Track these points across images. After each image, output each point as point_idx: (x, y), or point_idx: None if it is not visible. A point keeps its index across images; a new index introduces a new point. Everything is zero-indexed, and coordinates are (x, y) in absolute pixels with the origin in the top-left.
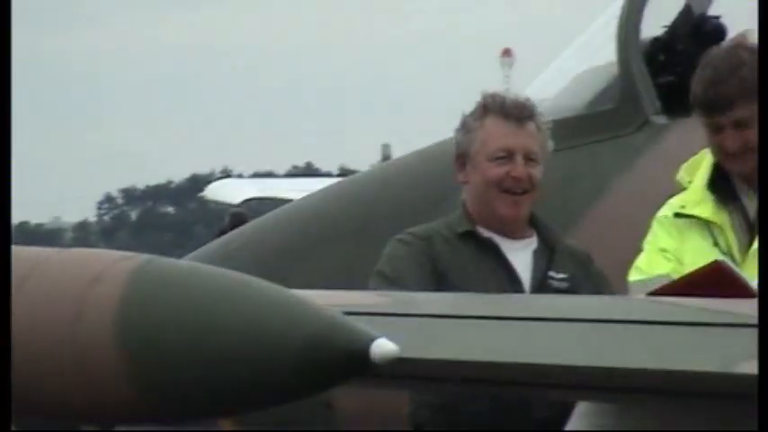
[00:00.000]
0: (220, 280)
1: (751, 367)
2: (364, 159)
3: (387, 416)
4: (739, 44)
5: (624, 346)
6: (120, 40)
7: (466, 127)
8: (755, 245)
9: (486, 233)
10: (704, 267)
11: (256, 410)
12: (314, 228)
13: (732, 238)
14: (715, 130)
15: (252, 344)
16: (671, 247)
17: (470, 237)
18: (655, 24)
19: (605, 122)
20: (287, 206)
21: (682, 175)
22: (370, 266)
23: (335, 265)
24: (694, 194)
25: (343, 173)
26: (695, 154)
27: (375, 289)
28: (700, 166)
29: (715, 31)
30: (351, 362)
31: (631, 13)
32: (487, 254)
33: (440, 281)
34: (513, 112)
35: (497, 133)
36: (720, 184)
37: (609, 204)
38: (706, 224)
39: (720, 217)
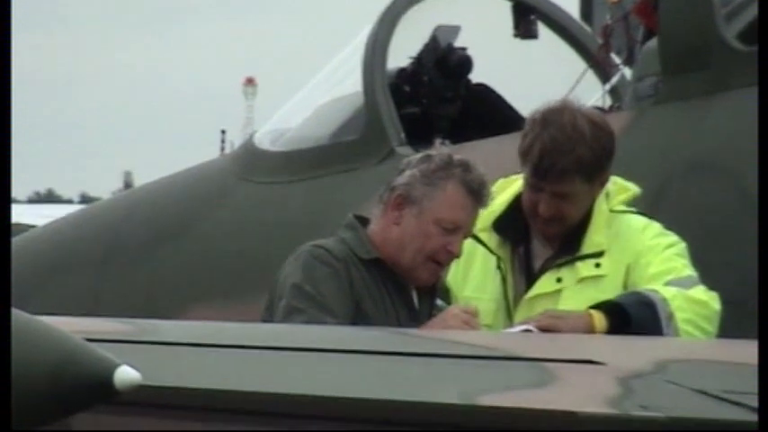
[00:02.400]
0: None
1: (493, 399)
2: (105, 186)
3: None
4: (585, 114)
5: (366, 377)
6: None
7: (428, 178)
8: (532, 292)
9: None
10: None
11: None
12: (57, 255)
13: (510, 278)
14: (533, 188)
15: None
16: (454, 280)
17: (377, 265)
18: (401, 55)
19: (349, 153)
20: (29, 233)
21: (494, 188)
22: (114, 293)
23: (79, 292)
24: (487, 218)
25: (85, 200)
26: None
27: (299, 306)
28: (510, 187)
29: (461, 63)
30: (93, 389)
31: (377, 44)
32: (393, 286)
33: (355, 307)
34: (477, 190)
35: (456, 204)
36: (513, 223)
37: None
38: (490, 251)
39: (504, 252)
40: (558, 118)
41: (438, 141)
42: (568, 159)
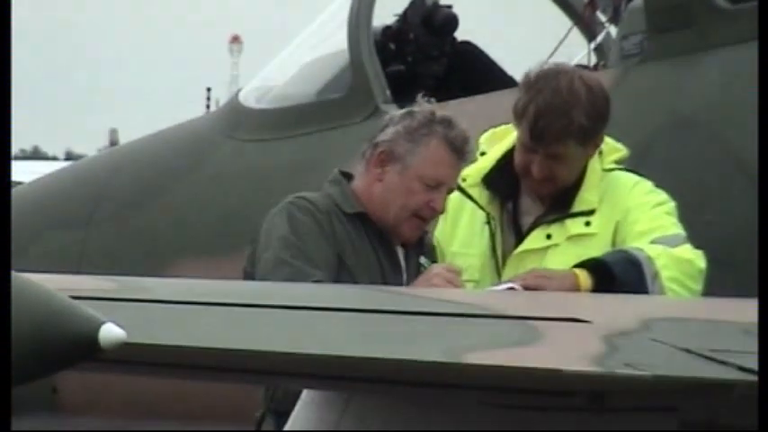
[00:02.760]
0: None
1: (478, 357)
2: (91, 144)
3: (112, 400)
4: (581, 77)
5: (350, 335)
6: None
7: (411, 134)
8: (521, 247)
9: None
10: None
11: None
12: (42, 212)
13: (499, 234)
14: (527, 149)
15: None
16: (442, 235)
17: (361, 220)
18: (386, 13)
19: (335, 111)
20: (15, 190)
21: (482, 141)
22: (99, 250)
23: (64, 249)
24: (477, 174)
25: (70, 157)
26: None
27: (286, 258)
28: (501, 140)
29: (446, 21)
30: (78, 346)
31: (363, 2)
32: (378, 241)
33: (338, 260)
34: (460, 146)
35: (439, 161)
36: (502, 179)
37: None
38: (480, 206)
39: (493, 208)
40: (555, 81)
41: (419, 96)
42: (563, 123)
